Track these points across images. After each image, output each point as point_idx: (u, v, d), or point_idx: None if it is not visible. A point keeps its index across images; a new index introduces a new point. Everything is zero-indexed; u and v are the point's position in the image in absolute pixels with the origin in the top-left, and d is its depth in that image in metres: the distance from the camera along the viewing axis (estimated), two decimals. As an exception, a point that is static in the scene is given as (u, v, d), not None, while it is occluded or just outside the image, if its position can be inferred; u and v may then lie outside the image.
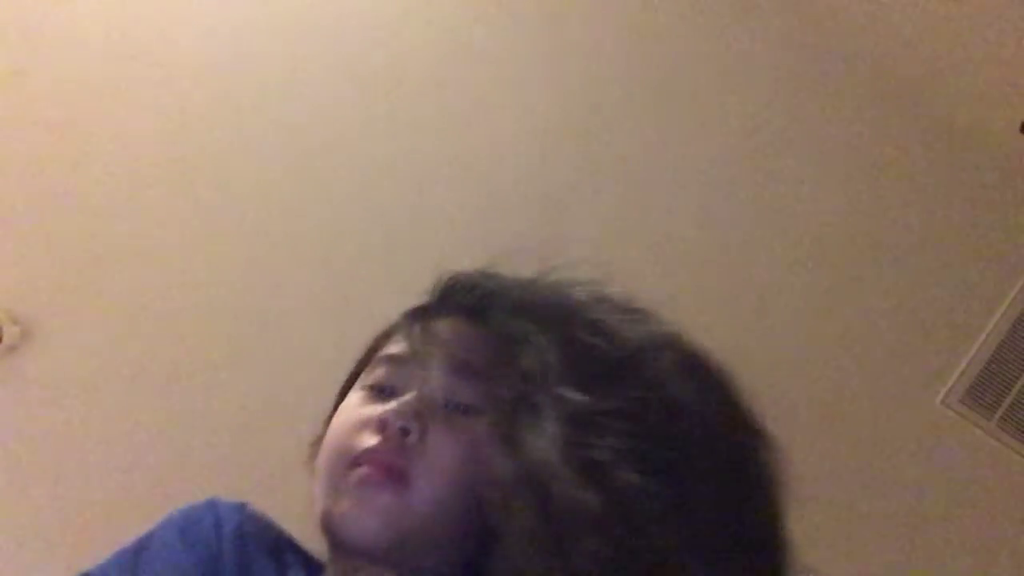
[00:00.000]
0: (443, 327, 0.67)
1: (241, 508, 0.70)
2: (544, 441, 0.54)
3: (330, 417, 0.68)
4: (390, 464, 0.59)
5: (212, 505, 0.70)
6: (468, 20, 2.01)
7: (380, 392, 0.65)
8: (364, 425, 0.62)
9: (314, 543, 0.66)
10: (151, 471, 1.78)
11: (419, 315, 0.70)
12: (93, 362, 1.81)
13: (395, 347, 0.68)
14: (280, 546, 0.68)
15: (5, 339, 1.74)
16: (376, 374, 0.67)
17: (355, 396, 0.67)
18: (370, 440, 0.60)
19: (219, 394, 1.82)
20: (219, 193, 1.90)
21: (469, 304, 0.68)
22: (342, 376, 0.73)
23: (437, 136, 1.97)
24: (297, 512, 0.66)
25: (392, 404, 0.62)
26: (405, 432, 0.60)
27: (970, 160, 2.01)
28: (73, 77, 1.88)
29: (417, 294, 0.73)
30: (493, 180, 1.96)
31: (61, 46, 1.88)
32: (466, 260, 0.72)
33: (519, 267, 0.71)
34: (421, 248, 1.88)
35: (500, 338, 0.64)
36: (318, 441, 0.67)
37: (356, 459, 0.60)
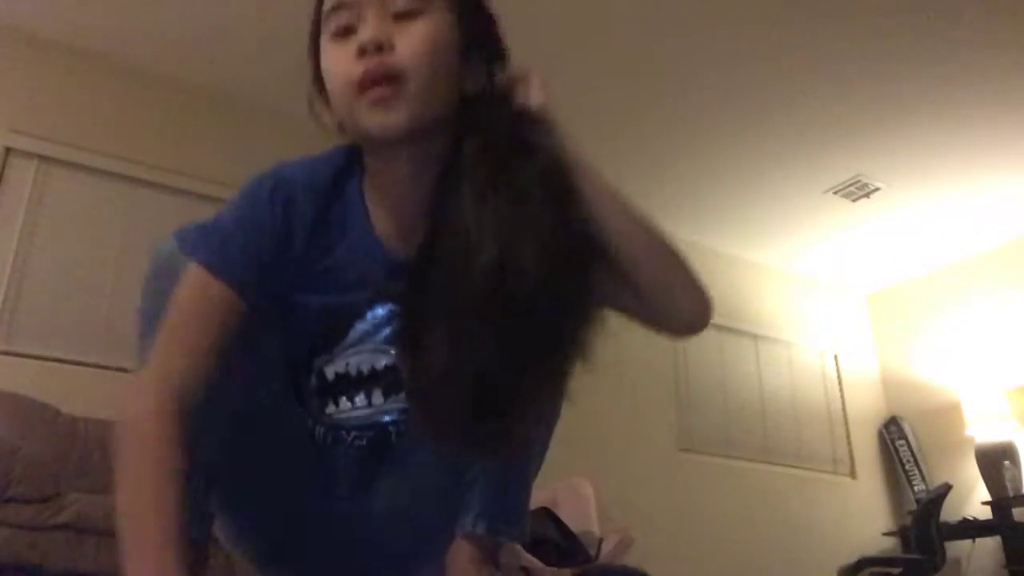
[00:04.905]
0: None
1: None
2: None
3: (313, 67, 0.86)
4: (384, 73, 0.78)
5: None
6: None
7: (344, 33, 0.82)
8: (349, 62, 0.80)
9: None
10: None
11: None
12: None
13: None
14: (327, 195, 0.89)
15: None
16: (333, 22, 0.83)
17: (327, 47, 0.84)
18: (359, 68, 0.79)
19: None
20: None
21: None
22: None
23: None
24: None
25: (359, 35, 0.80)
26: (379, 46, 0.78)
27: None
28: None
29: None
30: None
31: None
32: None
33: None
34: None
35: None
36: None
37: (360, 86, 0.79)
